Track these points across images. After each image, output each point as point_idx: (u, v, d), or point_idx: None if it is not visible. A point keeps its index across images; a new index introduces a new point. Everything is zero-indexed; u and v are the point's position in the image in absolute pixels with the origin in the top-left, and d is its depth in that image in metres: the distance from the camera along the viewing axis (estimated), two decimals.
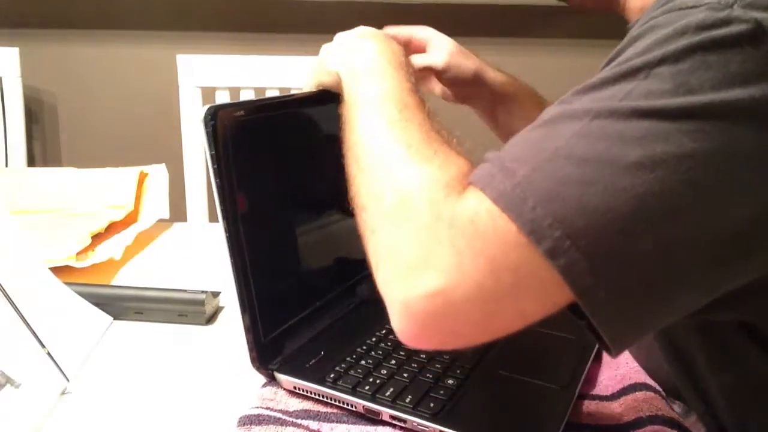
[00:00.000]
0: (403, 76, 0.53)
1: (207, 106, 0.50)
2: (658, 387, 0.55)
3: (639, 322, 0.38)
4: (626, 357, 0.59)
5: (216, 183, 0.50)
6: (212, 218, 1.27)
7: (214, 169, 0.50)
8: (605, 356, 0.59)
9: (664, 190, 0.35)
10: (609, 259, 0.35)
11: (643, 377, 0.55)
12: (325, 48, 0.62)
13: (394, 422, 0.48)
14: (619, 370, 0.57)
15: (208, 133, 0.50)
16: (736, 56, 0.36)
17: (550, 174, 0.36)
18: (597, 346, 0.59)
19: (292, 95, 0.68)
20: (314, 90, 0.63)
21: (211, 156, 0.50)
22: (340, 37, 0.61)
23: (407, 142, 0.45)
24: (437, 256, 0.38)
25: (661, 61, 0.37)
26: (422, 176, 0.42)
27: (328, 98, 0.65)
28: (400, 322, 0.39)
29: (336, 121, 0.67)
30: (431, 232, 0.39)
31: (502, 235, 0.36)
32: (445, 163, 0.43)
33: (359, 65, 0.54)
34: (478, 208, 0.38)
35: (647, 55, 0.37)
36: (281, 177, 0.59)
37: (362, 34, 0.59)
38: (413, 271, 0.38)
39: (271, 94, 1.28)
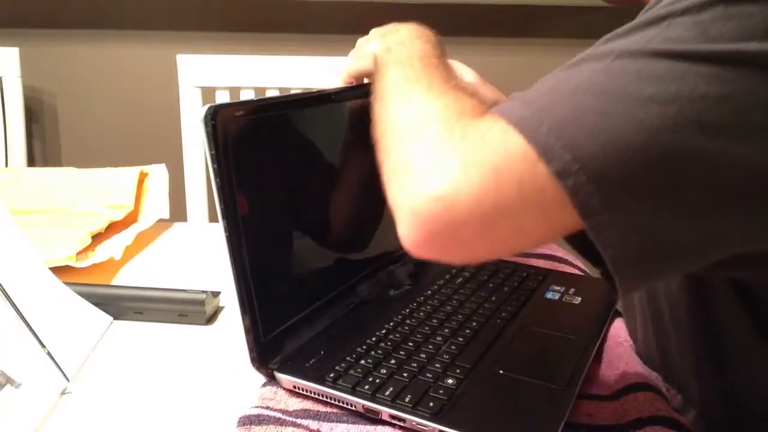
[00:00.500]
0: (432, 47, 0.56)
1: (207, 106, 0.50)
2: (659, 386, 0.55)
3: (644, 256, 0.39)
4: (627, 356, 0.59)
5: (216, 183, 0.50)
6: (212, 218, 1.27)
7: (214, 169, 0.50)
8: (606, 356, 0.59)
9: (675, 126, 0.36)
10: (616, 185, 0.37)
11: (644, 377, 0.55)
12: (361, 41, 0.66)
13: (393, 422, 0.48)
14: (619, 370, 0.57)
15: (208, 133, 0.50)
16: (758, 10, 0.36)
17: (567, 104, 0.38)
18: (597, 345, 0.59)
19: (293, 95, 0.68)
20: (351, 78, 0.67)
21: (211, 156, 0.50)
22: (374, 31, 0.64)
23: (428, 81, 0.49)
24: (444, 164, 0.40)
25: (684, 11, 0.38)
26: (437, 104, 0.45)
27: (329, 98, 0.66)
28: (405, 226, 0.41)
29: (335, 120, 0.67)
30: (442, 145, 0.41)
31: (512, 150, 0.38)
32: (460, 97, 0.46)
33: (394, 40, 0.58)
34: (492, 126, 0.40)
35: (672, 6, 0.39)
36: (281, 177, 0.59)
37: (397, 24, 0.63)
38: (421, 178, 0.41)
39: (271, 94, 1.28)
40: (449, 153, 0.40)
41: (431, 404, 0.48)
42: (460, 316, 0.62)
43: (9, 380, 0.50)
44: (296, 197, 0.61)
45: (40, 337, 0.54)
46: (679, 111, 0.36)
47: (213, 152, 0.50)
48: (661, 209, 0.37)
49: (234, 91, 1.28)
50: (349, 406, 0.50)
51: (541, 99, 0.40)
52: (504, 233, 0.40)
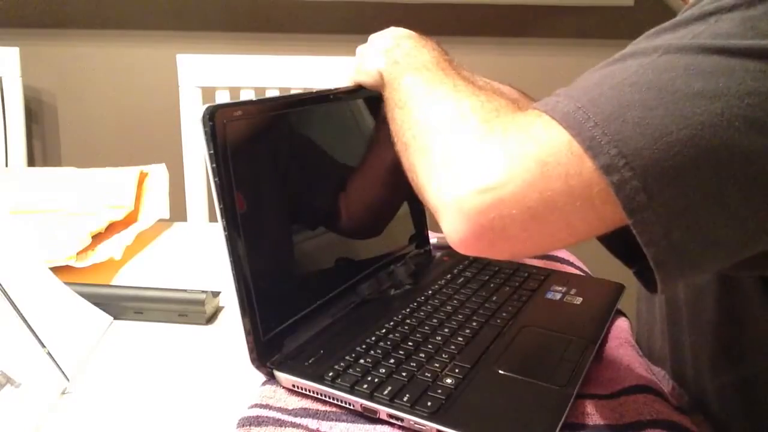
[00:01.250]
0: (439, 54, 0.57)
1: (206, 106, 0.50)
2: (661, 388, 0.54)
3: (685, 252, 0.38)
4: (628, 358, 0.58)
5: (215, 182, 0.51)
6: (212, 218, 1.27)
7: (212, 169, 0.50)
8: (607, 356, 0.59)
9: (722, 122, 0.36)
10: (662, 180, 0.37)
11: (646, 379, 0.55)
12: (360, 51, 0.65)
13: (392, 421, 0.49)
14: (620, 371, 0.56)
15: (206, 133, 0.50)
16: None
17: (613, 99, 0.38)
18: (597, 345, 0.59)
19: (291, 95, 0.68)
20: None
21: (210, 155, 0.50)
22: (375, 38, 0.63)
23: (452, 83, 0.49)
24: (488, 157, 0.40)
25: (734, 7, 0.38)
26: (471, 102, 0.45)
27: (327, 98, 0.66)
28: (452, 222, 0.41)
29: (334, 120, 0.68)
30: (484, 140, 0.41)
31: (558, 144, 0.38)
32: (491, 96, 0.46)
33: (399, 54, 0.58)
34: (535, 120, 0.40)
35: (720, 2, 0.39)
36: (280, 176, 0.59)
37: (397, 34, 0.62)
38: (465, 173, 0.40)
39: (271, 94, 1.28)
40: (493, 147, 0.40)
41: (429, 404, 0.48)
42: (460, 316, 0.62)
43: (9, 380, 0.50)
44: (295, 197, 0.61)
45: (40, 337, 0.54)
46: (726, 106, 0.36)
47: (211, 152, 0.50)
48: (706, 205, 0.37)
49: (234, 91, 1.28)
50: (347, 405, 0.50)
51: (587, 94, 0.39)
52: (551, 227, 0.40)
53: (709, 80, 0.36)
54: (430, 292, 0.68)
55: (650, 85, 0.38)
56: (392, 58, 0.58)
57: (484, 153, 0.40)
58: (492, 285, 0.70)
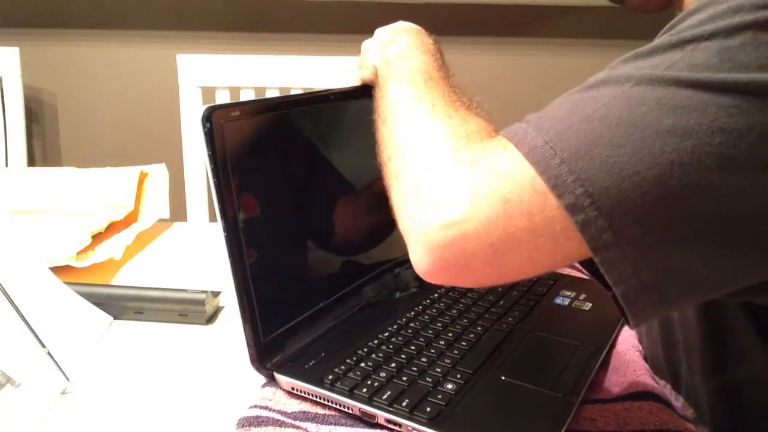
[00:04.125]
0: (431, 58, 0.56)
1: (204, 107, 0.51)
2: (668, 397, 0.53)
3: (657, 291, 0.38)
4: (635, 365, 0.57)
5: (214, 183, 0.51)
6: (212, 218, 1.27)
7: (211, 169, 0.50)
8: (613, 363, 0.58)
9: (692, 160, 0.35)
10: (628, 220, 0.36)
11: (651, 387, 0.54)
12: (365, 45, 0.65)
13: (390, 426, 0.48)
14: (626, 378, 0.55)
15: (205, 133, 0.50)
16: None
17: (581, 134, 0.37)
18: (605, 352, 0.58)
19: (290, 96, 0.68)
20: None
21: (209, 156, 0.50)
22: (378, 32, 0.64)
23: (431, 102, 0.49)
24: (453, 191, 0.40)
25: (712, 36, 0.37)
26: (444, 128, 0.45)
27: (327, 98, 0.66)
28: (418, 253, 0.41)
29: (334, 121, 0.67)
30: (451, 172, 0.41)
31: (522, 180, 0.38)
32: (465, 120, 0.46)
33: (393, 53, 0.58)
34: (501, 153, 0.40)
35: (699, 29, 0.38)
36: (279, 177, 0.59)
37: (396, 28, 0.62)
38: (431, 205, 0.41)
39: (271, 94, 1.28)
40: (458, 181, 0.40)
41: (428, 409, 0.47)
42: (465, 320, 0.61)
43: (9, 380, 0.50)
44: (295, 198, 0.61)
45: (40, 337, 0.54)
46: (698, 144, 0.35)
47: (210, 153, 0.50)
48: (675, 244, 0.36)
49: (234, 91, 1.27)
50: (346, 409, 0.50)
51: (556, 126, 0.39)
52: (514, 261, 0.40)
53: (681, 116, 0.35)
54: (435, 295, 0.67)
55: (620, 120, 0.37)
56: (386, 57, 0.58)
57: (450, 186, 0.41)
58: (499, 289, 0.69)
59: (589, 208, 0.36)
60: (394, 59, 0.57)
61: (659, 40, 0.39)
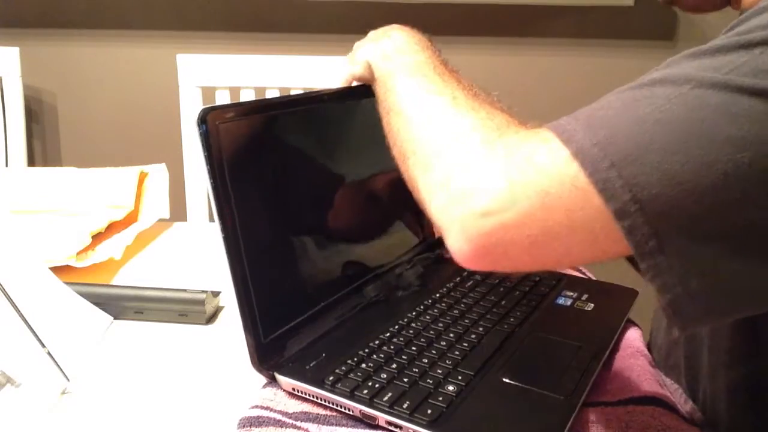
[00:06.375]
0: (432, 54, 0.56)
1: (200, 108, 0.51)
2: (673, 402, 0.53)
3: (704, 301, 0.37)
4: (639, 368, 0.57)
5: (211, 184, 0.51)
6: (212, 218, 1.26)
7: (208, 171, 0.51)
8: (616, 365, 0.58)
9: (747, 173, 0.34)
10: (676, 228, 0.35)
11: (656, 390, 0.53)
12: (357, 44, 0.65)
13: (390, 428, 0.48)
14: (630, 381, 0.55)
15: (201, 135, 0.50)
16: None
17: (633, 137, 0.36)
18: (607, 354, 0.57)
19: (286, 96, 0.68)
20: (346, 84, 0.66)
21: (205, 158, 0.50)
22: (371, 33, 0.64)
23: (451, 94, 0.48)
24: (490, 181, 0.39)
25: None
26: (472, 121, 0.45)
27: (323, 99, 0.65)
28: (456, 242, 0.41)
29: (330, 120, 0.67)
30: (486, 162, 0.41)
31: (563, 176, 0.37)
32: (492, 113, 0.45)
33: (389, 47, 0.57)
34: (540, 146, 0.39)
35: None
36: (277, 177, 0.59)
37: (388, 27, 0.62)
38: (467, 194, 0.40)
39: (271, 94, 1.27)
40: (495, 171, 0.40)
41: (429, 411, 0.47)
42: (467, 321, 0.61)
43: (9, 380, 0.50)
44: (294, 198, 0.61)
45: (40, 337, 0.54)
46: (754, 157, 0.33)
47: (206, 154, 0.51)
48: (724, 255, 0.35)
49: (234, 91, 1.27)
50: (347, 411, 0.50)
51: (606, 125, 0.37)
52: (552, 253, 0.40)
53: (741, 126, 0.34)
54: (437, 295, 0.66)
55: (675, 124, 0.35)
56: (382, 51, 0.58)
57: (486, 176, 0.40)
58: (501, 289, 0.68)
59: (635, 214, 0.35)
60: (393, 54, 0.56)
61: (724, 40, 0.37)
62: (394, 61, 0.56)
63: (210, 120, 0.51)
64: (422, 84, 0.51)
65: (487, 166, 0.41)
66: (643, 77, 0.40)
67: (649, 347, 0.63)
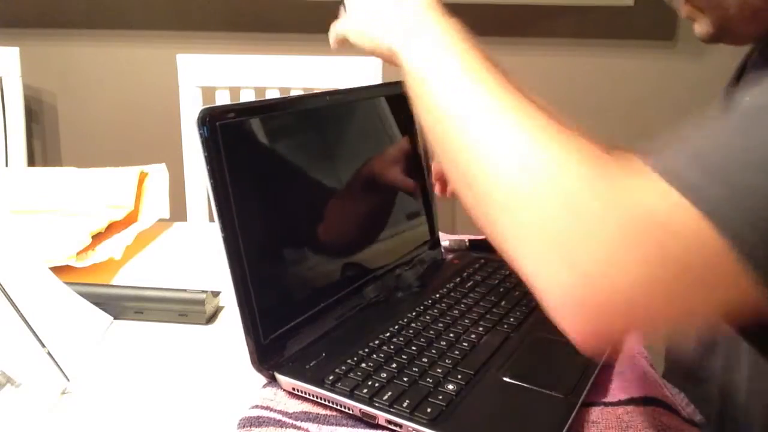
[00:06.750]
0: (476, 47, 0.46)
1: (201, 108, 0.51)
2: (674, 402, 0.53)
3: None
4: (639, 369, 0.57)
5: (211, 185, 0.51)
6: (212, 218, 1.26)
7: (208, 171, 0.51)
8: (618, 366, 0.57)
9: None
10: None
11: (656, 391, 0.53)
12: (353, 6, 0.58)
13: (390, 427, 0.48)
14: (630, 381, 0.55)
15: (201, 135, 0.50)
16: None
17: (756, 185, 0.31)
18: (607, 353, 0.57)
19: (287, 97, 0.68)
20: (337, 43, 0.62)
21: (205, 158, 0.50)
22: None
23: (522, 111, 0.39)
24: (598, 236, 0.33)
25: None
26: (561, 148, 0.37)
27: (324, 99, 0.66)
28: (567, 319, 0.35)
29: (330, 120, 0.67)
30: (588, 207, 0.34)
31: (688, 230, 0.32)
32: (571, 137, 0.37)
33: (428, 40, 0.47)
34: (649, 190, 0.33)
35: None
36: (277, 177, 0.59)
37: (420, 11, 0.49)
38: (570, 254, 0.34)
39: (271, 94, 1.28)
40: (601, 219, 0.33)
41: (429, 410, 0.47)
42: (467, 321, 0.61)
43: (9, 380, 0.50)
44: (294, 198, 0.61)
45: (40, 337, 0.54)
46: None
47: (206, 154, 0.50)
48: None
49: (234, 91, 1.28)
50: (347, 410, 0.50)
51: (722, 165, 0.32)
52: (676, 316, 0.35)
53: None
54: (437, 295, 0.67)
55: None
56: (416, 43, 0.47)
57: (590, 228, 0.33)
58: (501, 289, 0.68)
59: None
60: (431, 48, 0.46)
61: None
62: (431, 60, 0.46)
63: (210, 120, 0.51)
64: (487, 93, 0.42)
65: (590, 214, 0.34)
66: (743, 102, 0.35)
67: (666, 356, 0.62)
